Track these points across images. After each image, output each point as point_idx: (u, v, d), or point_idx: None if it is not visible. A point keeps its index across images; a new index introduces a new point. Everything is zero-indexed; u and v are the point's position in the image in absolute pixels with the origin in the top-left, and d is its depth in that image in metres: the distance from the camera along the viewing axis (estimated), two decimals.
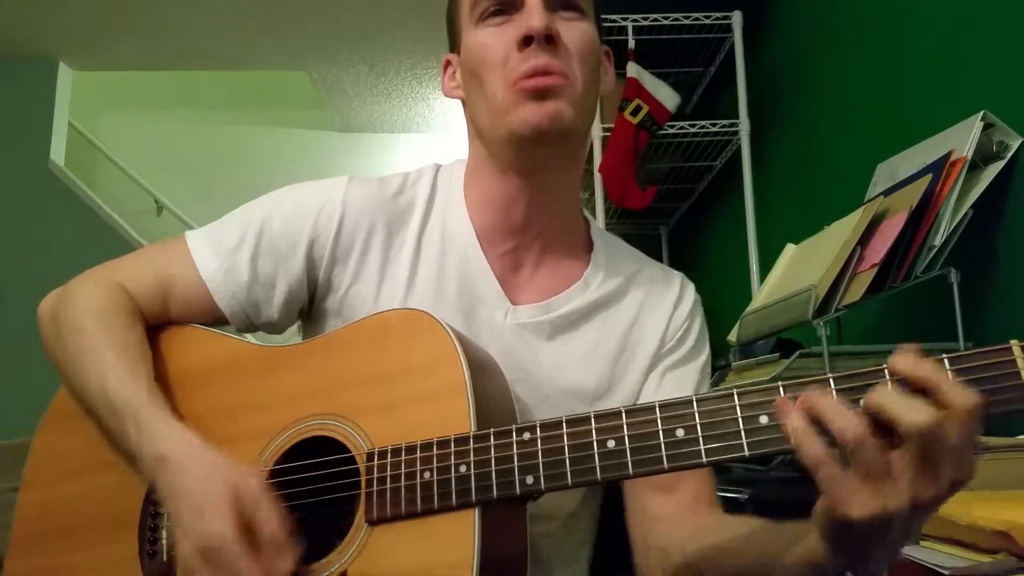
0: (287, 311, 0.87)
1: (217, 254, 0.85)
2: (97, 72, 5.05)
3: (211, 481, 0.67)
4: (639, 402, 0.84)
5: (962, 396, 0.48)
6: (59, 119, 4.75)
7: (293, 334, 0.95)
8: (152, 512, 0.78)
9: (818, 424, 0.51)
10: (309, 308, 0.89)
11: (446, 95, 0.90)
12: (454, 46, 0.89)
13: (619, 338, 0.87)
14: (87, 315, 0.81)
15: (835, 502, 0.50)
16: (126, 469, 0.78)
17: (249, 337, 0.88)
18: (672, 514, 0.79)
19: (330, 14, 4.14)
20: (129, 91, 5.52)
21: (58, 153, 4.70)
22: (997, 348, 0.52)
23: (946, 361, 0.52)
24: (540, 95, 0.77)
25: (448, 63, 0.90)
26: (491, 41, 0.80)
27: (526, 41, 0.77)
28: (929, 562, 0.67)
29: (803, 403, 0.53)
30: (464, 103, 0.88)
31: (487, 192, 0.86)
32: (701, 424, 0.58)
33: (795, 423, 0.52)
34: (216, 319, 0.87)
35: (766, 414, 0.56)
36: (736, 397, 0.57)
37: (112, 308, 0.82)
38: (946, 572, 0.64)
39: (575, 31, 0.80)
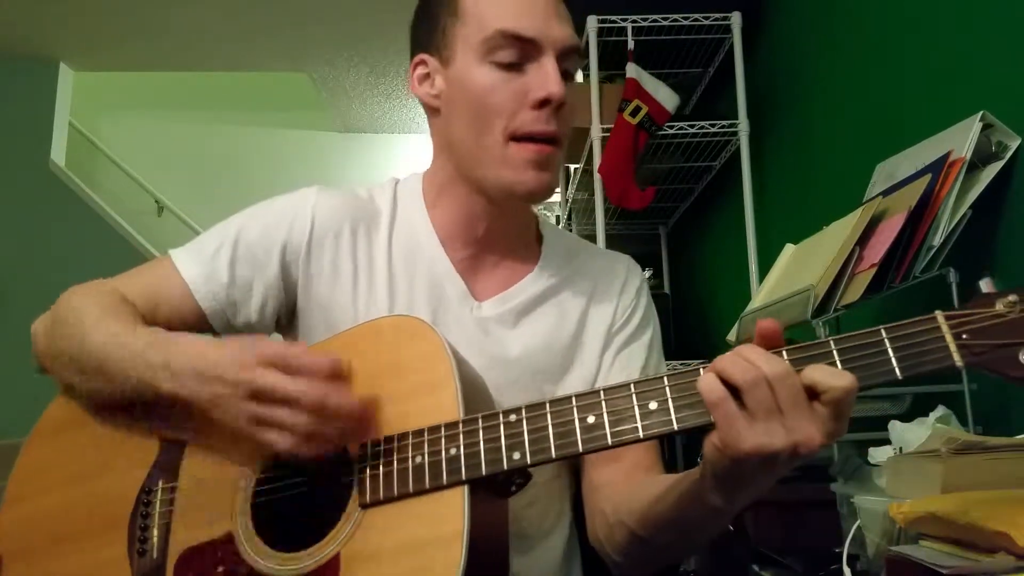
0: (263, 314, 0.91)
1: (198, 261, 0.90)
2: (98, 72, 5.06)
3: (225, 344, 0.74)
4: (597, 377, 0.93)
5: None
6: (60, 119, 4.76)
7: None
8: (143, 513, 0.79)
9: (722, 377, 0.59)
10: (290, 315, 0.93)
11: (418, 97, 0.92)
12: (431, 47, 0.89)
13: (575, 321, 0.94)
14: (84, 304, 0.84)
15: (727, 437, 0.58)
16: (116, 475, 0.80)
17: None
18: (613, 481, 0.87)
19: (330, 16, 4.15)
20: (130, 92, 5.52)
21: (59, 153, 4.71)
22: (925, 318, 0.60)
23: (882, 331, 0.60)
24: (542, 165, 0.85)
25: (422, 63, 0.91)
26: (500, 87, 0.83)
27: (542, 103, 0.83)
28: (928, 561, 0.67)
29: (711, 365, 0.61)
30: (435, 113, 0.91)
31: (452, 208, 0.93)
32: (672, 396, 0.64)
33: (703, 377, 0.60)
34: (201, 322, 0.90)
35: None
36: (702, 371, 0.62)
37: (108, 298, 0.85)
38: (945, 571, 0.64)
39: (569, 95, 0.86)
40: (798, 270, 1.55)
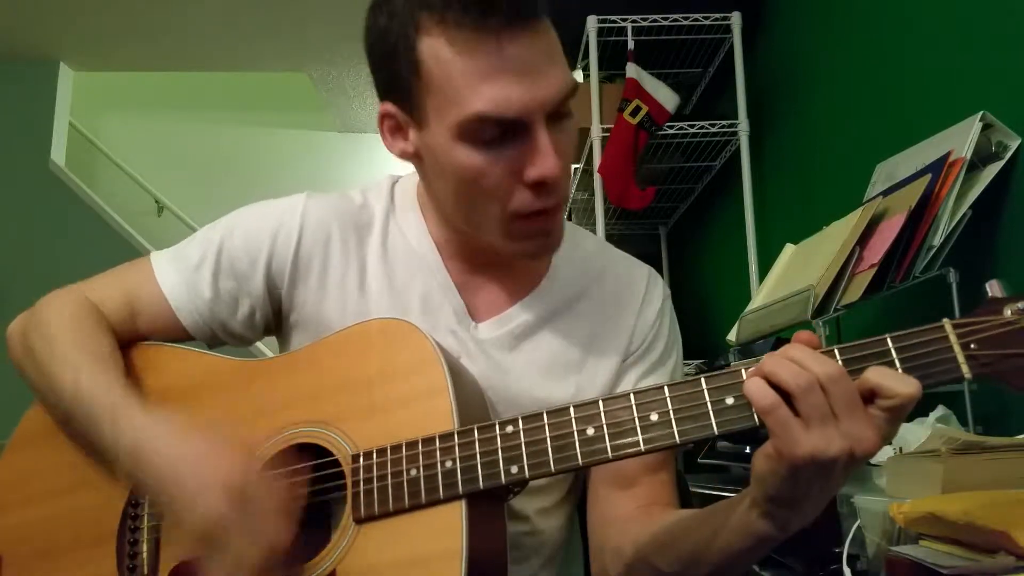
0: (251, 326, 0.88)
1: (180, 272, 0.86)
2: (98, 72, 5.06)
3: (199, 467, 0.67)
4: None
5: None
6: (60, 119, 4.75)
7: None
8: (131, 527, 0.77)
9: (771, 381, 0.56)
10: (279, 324, 0.89)
11: (393, 154, 0.80)
12: (397, 99, 0.77)
13: (583, 343, 0.86)
14: (56, 326, 0.81)
15: (783, 444, 0.55)
16: (102, 487, 0.78)
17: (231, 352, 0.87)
18: (627, 516, 0.80)
19: (330, 15, 4.14)
20: (130, 91, 5.52)
21: (59, 153, 4.71)
22: (931, 327, 0.58)
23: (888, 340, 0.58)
24: (547, 232, 0.78)
25: (389, 116, 0.78)
26: (489, 169, 0.72)
27: (538, 183, 0.73)
28: (928, 561, 0.67)
29: (757, 368, 0.58)
30: (419, 168, 0.82)
31: (449, 234, 0.86)
32: (673, 408, 0.62)
33: (750, 382, 0.57)
34: (182, 335, 0.87)
35: (732, 396, 0.61)
36: (704, 381, 0.62)
37: (80, 317, 0.82)
38: (945, 571, 0.64)
39: (570, 140, 0.77)
40: (798, 270, 1.55)
